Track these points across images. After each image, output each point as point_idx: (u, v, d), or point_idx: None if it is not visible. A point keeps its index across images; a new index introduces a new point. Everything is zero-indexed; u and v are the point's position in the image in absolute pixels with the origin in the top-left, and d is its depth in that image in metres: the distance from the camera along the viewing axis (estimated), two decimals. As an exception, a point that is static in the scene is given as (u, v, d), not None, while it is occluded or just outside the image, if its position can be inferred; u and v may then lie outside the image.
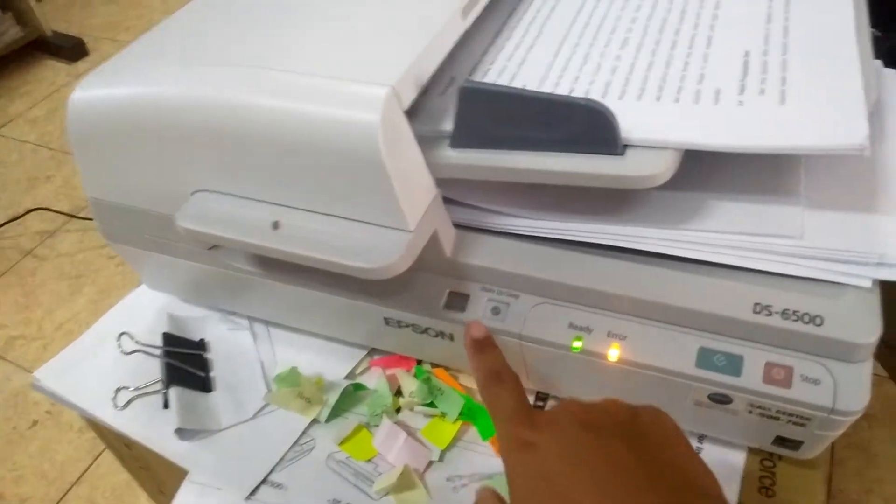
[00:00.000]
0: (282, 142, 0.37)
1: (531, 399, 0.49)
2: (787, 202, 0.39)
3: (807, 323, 0.36)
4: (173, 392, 0.50)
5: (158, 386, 0.52)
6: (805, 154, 0.39)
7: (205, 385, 0.51)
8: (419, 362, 0.51)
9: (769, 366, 0.38)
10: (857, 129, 0.32)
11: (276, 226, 0.39)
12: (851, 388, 0.37)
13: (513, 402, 0.36)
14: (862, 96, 0.34)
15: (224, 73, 0.38)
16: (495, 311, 0.42)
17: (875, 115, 0.43)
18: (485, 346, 0.41)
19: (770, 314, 0.37)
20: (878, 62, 0.47)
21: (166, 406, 0.50)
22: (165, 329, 0.54)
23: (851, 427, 0.39)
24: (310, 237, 0.38)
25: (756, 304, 0.37)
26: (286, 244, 0.38)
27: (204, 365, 0.53)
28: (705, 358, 0.38)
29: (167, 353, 0.52)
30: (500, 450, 0.34)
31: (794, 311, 0.37)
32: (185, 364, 0.52)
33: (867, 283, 0.37)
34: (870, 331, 0.36)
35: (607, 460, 0.31)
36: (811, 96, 0.35)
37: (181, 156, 0.41)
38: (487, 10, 0.47)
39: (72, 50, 2.13)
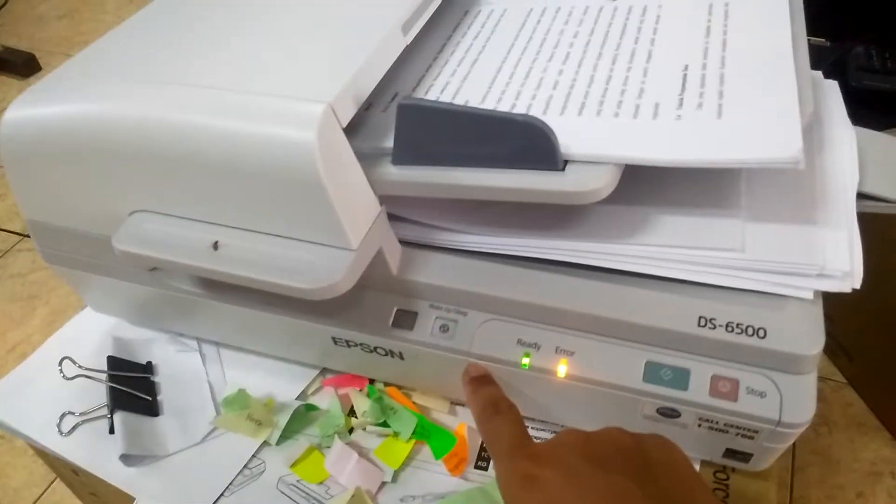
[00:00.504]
0: (217, 161, 0.36)
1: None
2: (727, 215, 0.39)
3: (750, 336, 0.37)
4: (118, 417, 0.48)
5: (104, 411, 0.50)
6: (743, 167, 0.39)
7: (151, 409, 0.50)
8: (371, 381, 0.50)
9: (716, 379, 0.38)
10: (791, 142, 0.32)
11: (215, 246, 0.38)
12: (797, 400, 0.37)
13: (512, 434, 0.35)
14: (796, 110, 0.34)
15: (157, 91, 0.37)
16: (443, 328, 0.42)
17: (814, 126, 0.44)
18: (482, 381, 0.40)
19: (714, 327, 0.37)
20: (818, 73, 0.47)
21: (112, 431, 0.49)
22: (110, 352, 0.53)
23: (812, 433, 0.39)
24: (250, 258, 0.38)
25: (701, 318, 0.37)
26: (226, 265, 0.38)
27: (150, 388, 0.51)
28: (652, 372, 0.38)
29: (112, 378, 0.51)
30: (499, 484, 0.33)
31: (738, 324, 0.37)
32: (131, 388, 0.51)
33: (809, 295, 0.37)
34: (813, 342, 0.36)
35: (613, 494, 0.29)
36: (747, 110, 0.36)
37: (116, 176, 0.40)
38: (431, 26, 0.47)
39: (23, 65, 2.08)
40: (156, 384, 0.52)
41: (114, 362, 0.52)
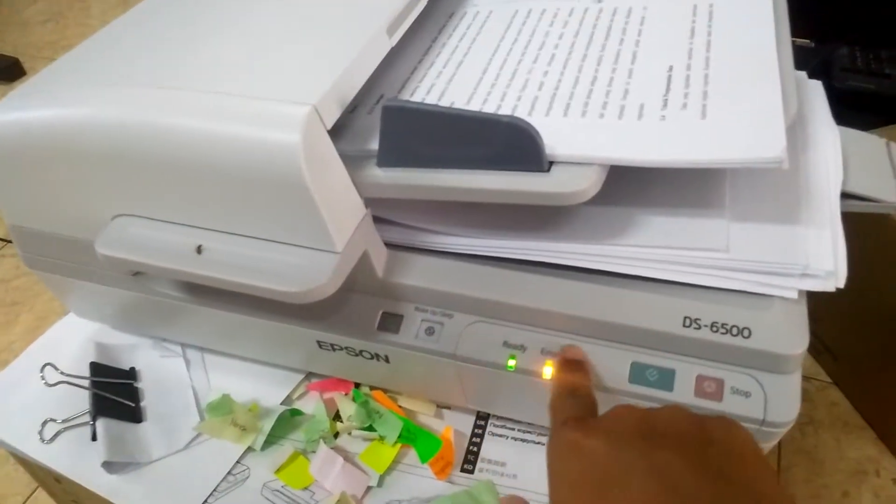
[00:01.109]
0: (200, 164, 0.35)
1: (471, 419, 0.48)
2: (712, 215, 0.39)
3: (735, 335, 0.37)
4: (101, 424, 0.48)
5: (87, 418, 0.50)
6: (726, 167, 0.39)
7: (134, 415, 0.49)
8: (357, 385, 0.50)
9: (700, 379, 0.38)
10: (775, 142, 0.33)
11: (199, 250, 0.38)
12: (781, 400, 0.37)
13: (574, 408, 0.34)
14: (780, 110, 0.35)
15: (140, 95, 0.37)
16: (429, 331, 0.42)
17: (798, 126, 0.44)
18: (576, 366, 0.38)
19: (699, 327, 0.37)
20: (802, 74, 0.47)
21: (94, 438, 0.48)
22: (93, 358, 0.52)
23: (798, 433, 0.39)
24: (234, 261, 0.37)
25: (685, 318, 0.37)
26: (209, 269, 0.37)
27: (134, 394, 0.51)
28: (638, 373, 0.38)
29: (94, 384, 0.50)
30: (547, 455, 0.31)
31: (723, 324, 0.37)
32: (114, 394, 0.50)
33: (793, 295, 0.37)
34: (797, 342, 0.36)
35: (660, 476, 0.27)
36: (731, 110, 0.36)
37: (99, 180, 0.39)
38: (417, 28, 0.47)
39: (8, 70, 2.06)
40: (139, 390, 0.52)
41: (96, 368, 0.52)
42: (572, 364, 0.38)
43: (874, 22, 0.92)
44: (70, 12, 2.38)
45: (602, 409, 0.33)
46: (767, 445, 0.39)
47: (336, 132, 0.36)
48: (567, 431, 0.31)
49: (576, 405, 0.35)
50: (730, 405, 0.37)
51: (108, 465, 0.46)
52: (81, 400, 0.51)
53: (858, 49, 0.92)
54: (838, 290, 0.37)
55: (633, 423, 0.30)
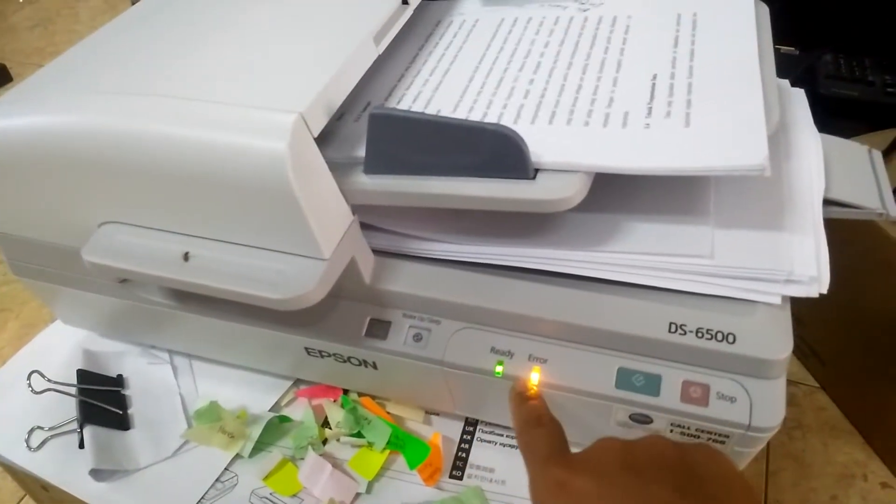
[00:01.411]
0: (187, 172, 0.35)
1: (459, 425, 0.49)
2: (697, 222, 0.39)
3: (720, 341, 0.37)
4: (88, 431, 0.48)
5: (74, 425, 0.49)
6: (710, 175, 0.39)
7: (122, 423, 0.49)
8: (345, 392, 0.50)
9: (686, 384, 0.38)
10: (757, 150, 0.33)
11: (186, 257, 0.38)
12: (766, 405, 0.37)
13: (549, 444, 0.33)
14: (762, 118, 0.35)
15: (127, 102, 0.37)
16: (417, 337, 0.42)
17: (780, 134, 0.44)
18: (529, 397, 0.38)
19: (685, 333, 0.37)
20: (785, 82, 0.48)
21: (82, 446, 0.48)
22: (80, 366, 0.52)
23: (785, 437, 0.39)
24: (221, 268, 0.37)
25: (671, 324, 0.38)
26: (196, 276, 0.37)
27: (121, 402, 0.51)
28: (624, 378, 0.39)
29: (82, 391, 0.50)
30: (531, 494, 0.31)
31: (708, 330, 0.37)
32: (102, 401, 0.50)
33: (777, 300, 0.37)
34: (781, 347, 0.37)
35: None
36: (714, 119, 0.36)
37: (86, 187, 0.39)
38: (404, 36, 0.47)
39: (-6, 76, 2.05)
40: (126, 397, 0.51)
41: (84, 375, 0.51)
42: (527, 396, 0.38)
43: (858, 29, 0.93)
44: (58, 18, 2.37)
45: (580, 428, 0.33)
46: (753, 450, 0.39)
47: (323, 139, 0.36)
48: (551, 470, 0.31)
49: (548, 436, 0.34)
50: (716, 410, 0.37)
51: (96, 473, 0.46)
52: (69, 407, 0.50)
53: (843, 56, 0.93)
54: (825, 295, 0.37)
55: (615, 456, 0.30)
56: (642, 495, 0.27)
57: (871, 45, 0.93)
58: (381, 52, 0.41)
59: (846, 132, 0.49)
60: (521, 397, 0.38)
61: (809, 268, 0.37)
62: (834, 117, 0.55)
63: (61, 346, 0.55)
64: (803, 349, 0.97)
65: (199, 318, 0.46)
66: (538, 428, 0.35)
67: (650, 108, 0.38)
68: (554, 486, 0.30)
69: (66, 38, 2.27)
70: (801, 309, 0.38)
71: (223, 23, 0.44)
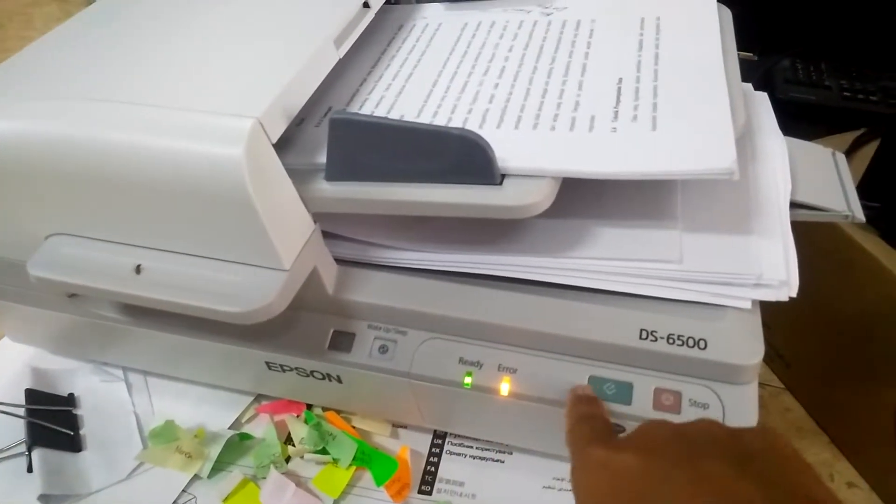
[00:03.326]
0: (139, 180, 0.34)
1: (428, 438, 0.47)
2: (665, 226, 0.39)
3: (691, 347, 0.36)
4: (37, 454, 0.46)
5: (22, 448, 0.47)
6: (678, 179, 0.39)
7: (73, 444, 0.47)
8: (309, 406, 0.48)
9: (658, 392, 0.37)
10: (725, 153, 0.33)
11: (138, 270, 0.36)
12: (739, 410, 0.36)
13: (593, 431, 0.32)
14: (729, 121, 0.35)
15: (76, 107, 0.35)
16: (383, 349, 0.41)
17: (746, 137, 0.44)
18: (589, 399, 0.37)
19: (656, 339, 0.37)
20: (748, 85, 0.48)
21: (30, 470, 0.46)
22: (29, 384, 0.50)
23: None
24: (175, 281, 0.36)
25: (642, 331, 0.37)
26: (149, 290, 0.36)
27: (72, 422, 0.48)
28: (596, 387, 0.38)
29: (30, 412, 0.48)
30: (572, 483, 0.29)
31: (679, 336, 0.37)
32: (52, 422, 0.48)
33: (747, 305, 0.37)
34: (753, 352, 0.36)
35: (708, 484, 0.25)
36: (681, 122, 0.36)
37: (31, 197, 0.37)
38: (365, 40, 0.46)
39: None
40: (78, 417, 0.49)
41: (32, 395, 0.49)
42: (585, 398, 0.37)
43: (814, 34, 0.94)
44: (10, 24, 2.30)
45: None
46: (725, 457, 0.38)
47: (282, 146, 0.35)
48: (593, 450, 0.30)
49: (594, 430, 0.33)
50: (688, 417, 0.36)
51: (46, 499, 0.44)
52: (16, 429, 0.48)
53: (800, 61, 0.94)
54: (791, 298, 0.37)
55: (665, 435, 0.29)
56: (694, 470, 0.26)
57: (827, 50, 0.95)
58: (342, 55, 0.40)
59: (804, 136, 0.49)
60: (578, 399, 0.37)
61: (779, 271, 0.37)
62: (792, 121, 0.55)
63: (8, 364, 0.53)
64: (768, 351, 0.97)
65: (154, 334, 0.44)
66: (587, 424, 0.34)
67: (616, 111, 0.37)
68: (595, 466, 0.29)
69: (17, 45, 2.20)
70: (765, 311, 0.38)
71: (178, 25, 0.42)
